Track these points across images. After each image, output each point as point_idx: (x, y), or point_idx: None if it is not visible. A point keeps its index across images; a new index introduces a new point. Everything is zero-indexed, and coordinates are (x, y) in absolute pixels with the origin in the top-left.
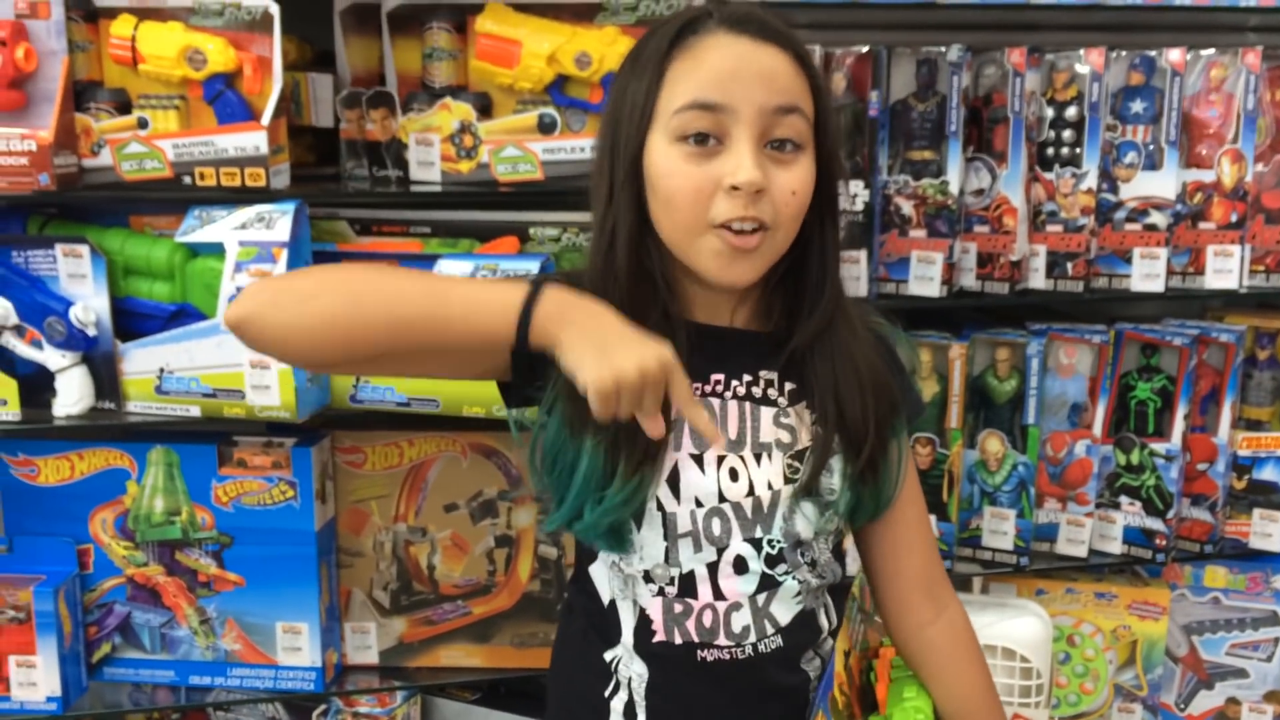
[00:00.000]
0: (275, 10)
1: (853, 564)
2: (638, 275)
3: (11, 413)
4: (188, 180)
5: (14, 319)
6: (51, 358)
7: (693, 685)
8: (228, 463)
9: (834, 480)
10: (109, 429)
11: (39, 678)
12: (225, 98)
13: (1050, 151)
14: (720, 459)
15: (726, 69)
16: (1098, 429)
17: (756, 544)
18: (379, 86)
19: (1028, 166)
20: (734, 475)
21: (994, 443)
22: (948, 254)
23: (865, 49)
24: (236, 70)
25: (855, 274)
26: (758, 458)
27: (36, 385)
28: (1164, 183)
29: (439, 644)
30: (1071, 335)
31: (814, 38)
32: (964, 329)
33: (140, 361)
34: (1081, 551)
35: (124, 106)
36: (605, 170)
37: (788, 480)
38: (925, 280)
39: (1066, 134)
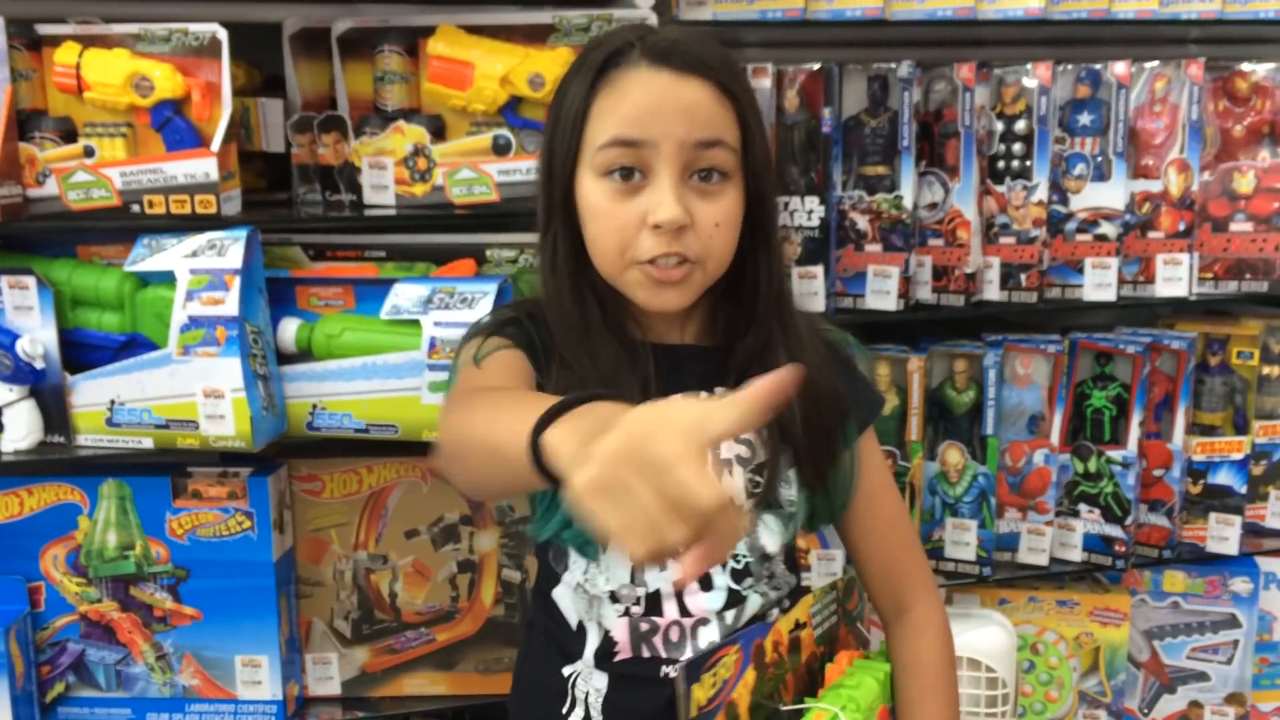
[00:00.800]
0: (223, 35)
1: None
2: (583, 300)
3: None
4: (136, 208)
5: None
6: None
7: (650, 700)
8: (182, 494)
9: (792, 491)
10: (58, 463)
11: None
12: (173, 124)
13: (1001, 164)
14: None
15: (647, 105)
16: (1055, 438)
17: None
18: (330, 110)
19: (979, 180)
20: None
21: (954, 454)
22: (903, 268)
23: (817, 66)
24: (184, 96)
25: (813, 289)
26: (719, 474)
27: None
28: (1113, 193)
29: (402, 672)
30: (1027, 346)
31: (766, 55)
32: (921, 342)
33: (90, 394)
34: (1043, 560)
35: (69, 135)
36: (543, 196)
37: (750, 494)
38: (882, 294)
39: (1016, 147)
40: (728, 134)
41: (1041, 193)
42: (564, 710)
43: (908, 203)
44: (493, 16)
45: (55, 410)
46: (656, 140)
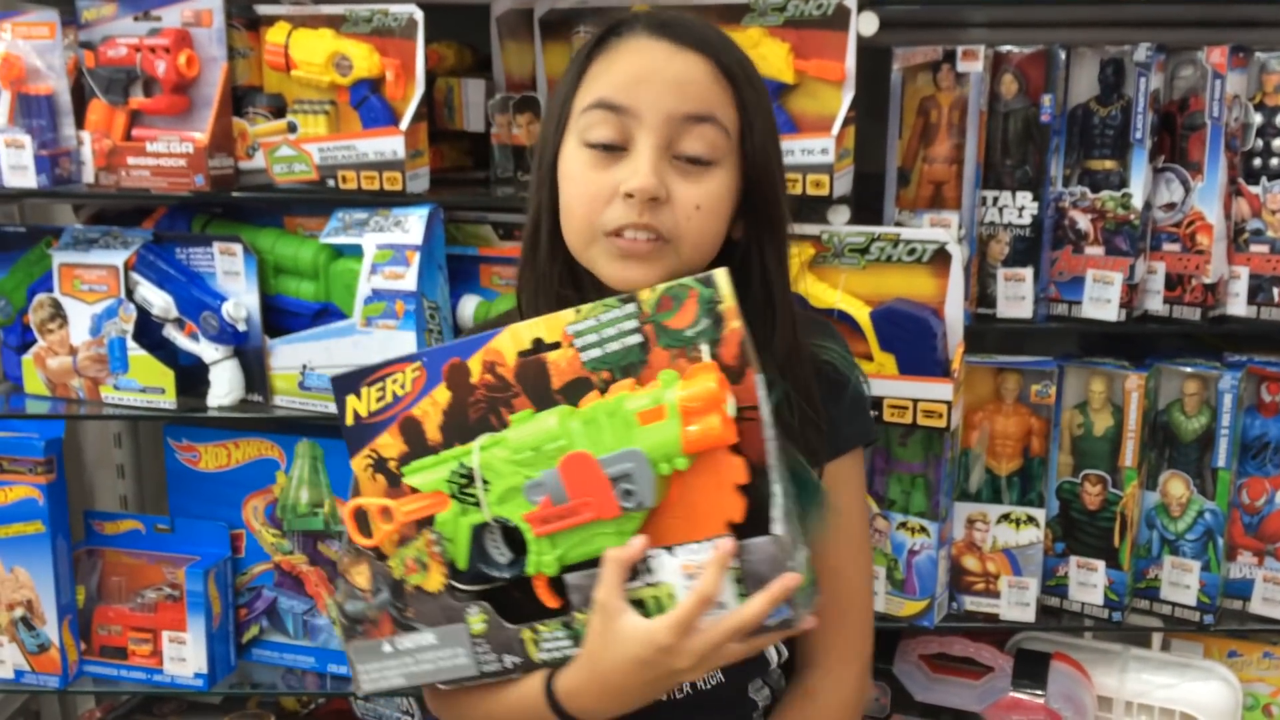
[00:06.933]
0: (419, 17)
1: None
2: (565, 280)
3: (168, 401)
4: (331, 183)
5: (175, 312)
6: (206, 350)
7: None
8: None
9: None
10: (262, 420)
11: (188, 654)
12: (370, 103)
13: (1257, 162)
14: None
15: (637, 71)
16: None
17: None
18: (529, 91)
19: (1228, 179)
20: None
21: (1177, 485)
22: (1128, 274)
23: (1039, 48)
24: (381, 76)
25: (1021, 292)
26: None
27: (194, 376)
28: None
29: None
30: (1276, 370)
31: (986, 36)
32: (1147, 358)
33: (286, 357)
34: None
35: (280, 111)
36: (533, 171)
37: None
38: (1102, 302)
39: (1277, 143)
40: (721, 113)
41: None
42: None
43: (1137, 202)
44: None
45: (256, 371)
46: (641, 109)
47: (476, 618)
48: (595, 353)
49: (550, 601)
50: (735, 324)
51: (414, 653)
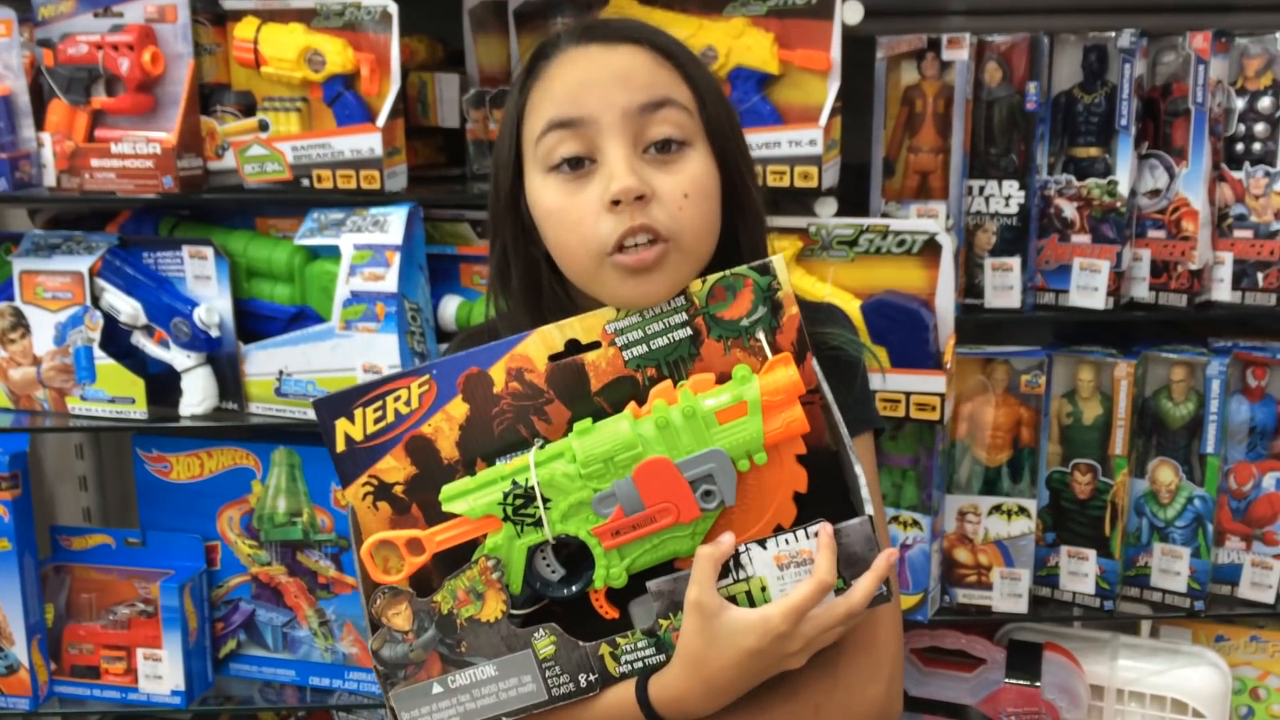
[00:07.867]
0: (394, 10)
1: None
2: (541, 315)
3: (139, 411)
4: (306, 183)
5: (143, 319)
6: (177, 358)
7: None
8: None
9: None
10: (236, 428)
11: (164, 671)
12: (344, 99)
13: (1240, 147)
14: None
15: (577, 80)
16: None
17: None
18: (504, 85)
19: (1212, 164)
20: None
21: (1166, 472)
22: (1115, 262)
23: (1023, 35)
24: (355, 71)
25: (1009, 282)
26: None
27: (165, 385)
28: None
29: None
30: (1262, 354)
31: (969, 24)
32: (1134, 345)
33: (261, 363)
34: (1268, 597)
35: (250, 109)
36: (490, 215)
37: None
38: (1089, 290)
39: (1259, 128)
40: (676, 93)
41: None
42: None
43: (1123, 189)
44: None
45: (230, 378)
46: (596, 114)
47: (544, 640)
48: (640, 350)
49: (609, 613)
50: (793, 310)
51: (469, 689)
